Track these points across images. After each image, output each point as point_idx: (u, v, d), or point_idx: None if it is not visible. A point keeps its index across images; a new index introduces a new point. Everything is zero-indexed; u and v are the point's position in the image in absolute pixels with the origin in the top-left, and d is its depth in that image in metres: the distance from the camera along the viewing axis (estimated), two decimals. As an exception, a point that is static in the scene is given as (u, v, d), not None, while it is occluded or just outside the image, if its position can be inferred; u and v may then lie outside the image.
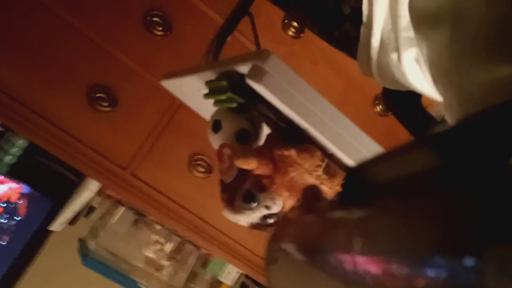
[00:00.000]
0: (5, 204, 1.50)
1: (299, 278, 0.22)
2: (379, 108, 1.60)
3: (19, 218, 1.51)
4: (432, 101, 0.63)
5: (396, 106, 0.78)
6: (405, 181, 0.17)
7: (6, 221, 1.51)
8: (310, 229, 0.22)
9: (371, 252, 0.17)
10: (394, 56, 0.59)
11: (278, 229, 0.25)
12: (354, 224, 0.19)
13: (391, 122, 1.54)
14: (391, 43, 0.59)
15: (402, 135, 1.61)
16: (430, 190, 0.16)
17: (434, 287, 0.14)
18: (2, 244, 1.50)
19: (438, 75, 0.43)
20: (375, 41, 0.61)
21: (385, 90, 0.75)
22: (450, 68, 0.38)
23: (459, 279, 0.12)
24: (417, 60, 0.56)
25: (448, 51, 0.38)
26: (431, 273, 0.13)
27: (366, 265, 0.16)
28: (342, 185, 0.22)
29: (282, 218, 0.26)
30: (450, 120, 0.42)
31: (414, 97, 0.73)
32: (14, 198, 1.51)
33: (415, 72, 0.58)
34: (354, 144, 0.63)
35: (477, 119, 0.15)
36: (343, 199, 0.22)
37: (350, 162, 0.64)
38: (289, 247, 0.23)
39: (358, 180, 0.21)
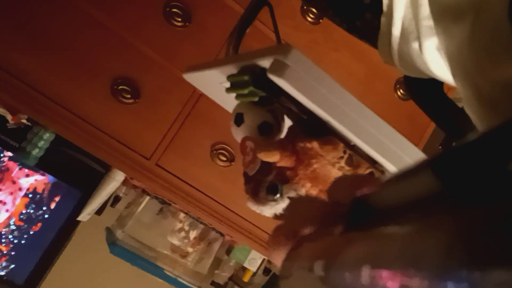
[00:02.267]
0: (32, 195, 1.55)
1: None
2: (400, 92, 1.58)
3: (47, 208, 1.56)
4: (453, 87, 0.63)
5: (418, 94, 0.78)
6: (409, 205, 0.18)
7: (33, 211, 1.56)
8: (323, 248, 0.23)
9: (381, 273, 0.17)
10: (415, 45, 0.59)
11: (293, 247, 0.26)
12: (363, 247, 0.19)
13: (413, 107, 1.52)
14: (412, 32, 0.59)
15: (425, 119, 1.59)
16: (435, 212, 0.16)
17: None
18: (32, 234, 1.55)
19: (456, 69, 0.43)
20: (396, 30, 0.60)
21: (407, 78, 0.75)
22: (468, 63, 0.38)
23: None
24: (438, 49, 0.56)
25: (467, 46, 0.38)
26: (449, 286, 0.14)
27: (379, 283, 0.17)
28: (349, 210, 0.23)
29: (299, 239, 0.26)
30: (470, 114, 0.42)
31: (435, 84, 0.72)
32: (40, 189, 1.56)
33: (437, 61, 0.58)
34: (376, 135, 0.63)
35: (475, 143, 0.15)
36: (350, 224, 0.22)
37: (372, 152, 0.64)
38: (302, 265, 0.24)
39: (365, 205, 0.22)
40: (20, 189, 1.54)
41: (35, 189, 1.56)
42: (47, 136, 1.39)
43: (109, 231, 1.67)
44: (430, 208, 0.16)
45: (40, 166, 1.49)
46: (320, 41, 1.48)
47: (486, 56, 0.34)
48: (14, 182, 1.53)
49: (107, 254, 1.58)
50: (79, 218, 1.54)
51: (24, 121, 1.43)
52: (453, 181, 0.16)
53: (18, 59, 1.22)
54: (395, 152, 0.62)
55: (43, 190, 1.56)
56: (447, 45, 0.45)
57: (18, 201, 1.54)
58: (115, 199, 1.69)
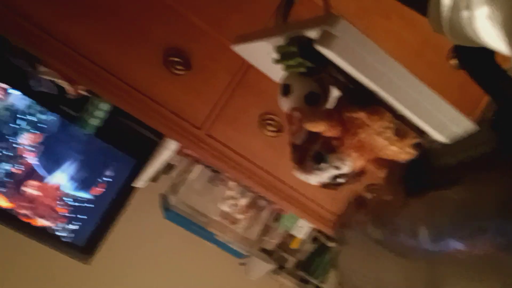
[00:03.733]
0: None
1: (367, 259, 0.24)
2: (453, 61, 1.53)
3: (102, 172, 1.65)
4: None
5: (469, 64, 0.76)
6: (470, 163, 0.19)
7: (88, 174, 1.66)
8: (380, 213, 0.24)
9: (439, 228, 0.18)
10: (465, 13, 0.57)
11: (349, 214, 0.28)
12: (422, 205, 0.20)
13: (467, 77, 1.47)
14: (463, 1, 0.57)
15: (479, 90, 1.54)
16: (492, 169, 0.17)
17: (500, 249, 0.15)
18: (89, 198, 1.65)
19: (509, 38, 0.42)
20: None
21: (457, 47, 0.73)
22: None
23: None
24: (489, 18, 0.55)
25: None
26: (497, 237, 0.15)
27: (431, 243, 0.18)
28: (407, 171, 0.24)
29: (352, 205, 0.28)
30: None
31: (487, 53, 0.70)
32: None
33: (488, 30, 0.56)
34: (424, 104, 0.62)
35: None
36: (409, 184, 0.23)
37: (420, 122, 0.64)
38: (359, 230, 0.25)
39: (423, 165, 0.23)
40: None
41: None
42: (104, 106, 1.46)
43: (163, 197, 1.74)
44: (487, 165, 0.17)
45: (98, 135, 1.56)
46: (369, 8, 1.45)
47: None
48: None
49: (161, 219, 1.66)
50: (135, 184, 1.62)
51: (82, 92, 1.50)
52: (510, 137, 0.16)
53: (71, 30, 1.27)
54: (443, 121, 0.62)
55: (97, 154, 1.66)
56: (499, 13, 0.44)
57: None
58: (168, 167, 1.76)
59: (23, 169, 1.60)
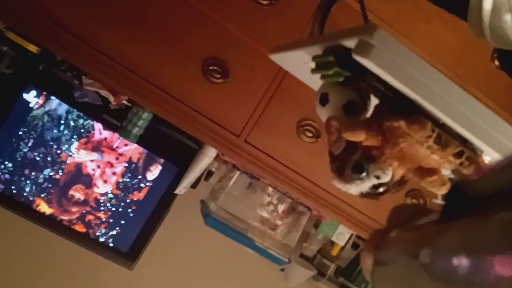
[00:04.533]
0: (127, 164, 1.69)
1: (402, 282, 0.24)
2: (497, 61, 1.48)
3: (142, 177, 1.69)
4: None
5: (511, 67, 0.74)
6: (503, 194, 0.18)
7: (129, 179, 1.70)
8: (420, 238, 0.24)
9: (477, 257, 0.18)
10: (508, 17, 0.56)
11: (391, 236, 0.27)
12: (460, 233, 0.20)
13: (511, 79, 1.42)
14: (505, 5, 0.56)
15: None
16: None
17: None
18: (128, 202, 1.69)
19: None
20: (487, 4, 0.58)
21: (500, 51, 0.71)
22: None
23: None
24: None
25: None
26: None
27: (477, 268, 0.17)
28: (446, 197, 0.23)
29: (395, 230, 0.27)
30: None
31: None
32: (135, 158, 1.69)
33: None
34: (465, 112, 0.61)
35: None
36: (447, 211, 0.23)
37: (462, 130, 0.62)
38: (399, 253, 0.25)
39: (461, 193, 0.22)
40: (121, 155, 1.68)
41: (130, 158, 1.69)
42: (146, 115, 1.49)
43: (203, 204, 1.77)
44: None
45: (140, 144, 1.61)
46: (409, 12, 1.43)
47: None
48: (113, 149, 1.68)
49: (202, 225, 1.68)
50: (176, 192, 1.65)
51: (124, 101, 1.55)
52: None
53: (115, 43, 1.32)
54: (485, 129, 0.60)
55: (138, 160, 1.69)
56: None
57: (120, 168, 1.68)
58: (208, 173, 1.78)
59: (69, 173, 1.66)
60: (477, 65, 1.46)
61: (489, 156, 0.65)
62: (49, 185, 1.64)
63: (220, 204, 1.67)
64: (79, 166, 1.66)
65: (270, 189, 1.73)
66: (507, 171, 0.19)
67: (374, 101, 0.74)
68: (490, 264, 0.17)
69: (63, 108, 1.59)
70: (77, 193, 1.67)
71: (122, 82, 1.34)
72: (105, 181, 1.68)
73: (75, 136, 1.62)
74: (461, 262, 0.18)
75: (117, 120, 1.58)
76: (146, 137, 1.56)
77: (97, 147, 1.65)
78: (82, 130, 1.62)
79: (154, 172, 1.68)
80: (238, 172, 1.69)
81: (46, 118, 1.58)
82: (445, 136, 0.64)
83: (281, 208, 1.76)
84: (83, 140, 1.63)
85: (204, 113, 1.38)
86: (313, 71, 0.73)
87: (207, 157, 1.59)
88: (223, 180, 1.76)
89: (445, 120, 0.62)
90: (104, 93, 1.50)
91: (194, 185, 1.70)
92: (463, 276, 0.18)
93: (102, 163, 1.66)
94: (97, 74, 1.38)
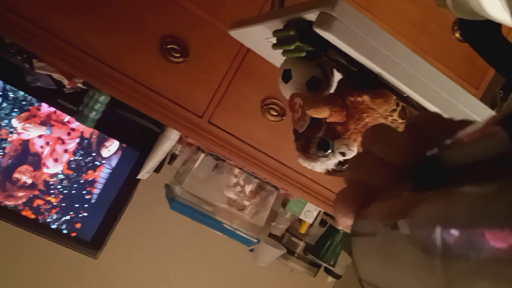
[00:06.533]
0: (79, 140, 1.58)
1: (382, 253, 0.23)
2: (458, 34, 1.49)
3: (97, 154, 1.60)
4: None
5: (474, 37, 0.73)
6: (483, 165, 0.17)
7: (82, 158, 1.59)
8: (396, 208, 0.23)
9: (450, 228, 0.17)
10: None
11: (366, 205, 0.26)
12: (436, 202, 0.19)
13: (471, 49, 1.43)
14: None
15: (483, 62, 1.50)
16: (508, 173, 0.15)
17: None
18: (82, 182, 1.61)
19: None
20: None
21: (462, 21, 0.70)
22: None
23: None
24: None
25: None
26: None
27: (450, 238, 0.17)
28: (417, 170, 0.22)
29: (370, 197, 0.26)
30: None
31: (493, 27, 0.67)
32: (87, 133, 1.59)
33: (493, 2, 0.54)
34: (429, 84, 0.60)
35: None
36: (420, 183, 0.22)
37: (426, 103, 0.61)
38: (374, 223, 0.24)
39: (434, 165, 0.21)
40: (73, 130, 1.56)
41: (82, 133, 1.58)
42: (103, 98, 1.43)
43: (168, 188, 1.73)
44: (506, 168, 0.16)
45: (98, 128, 1.54)
46: (369, -16, 1.41)
47: None
48: (64, 124, 1.55)
49: (167, 210, 1.65)
50: (138, 177, 1.61)
51: (79, 85, 1.48)
52: None
53: (67, 24, 1.25)
54: (449, 101, 0.59)
55: (91, 135, 1.59)
56: None
57: (73, 145, 1.56)
58: (171, 157, 1.74)
59: (14, 152, 1.52)
60: (438, 36, 1.47)
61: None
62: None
63: (186, 188, 1.64)
64: (26, 144, 1.53)
65: (236, 170, 1.70)
66: (482, 141, 0.17)
67: (337, 76, 0.72)
68: (467, 237, 0.16)
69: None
70: (23, 176, 1.55)
71: (75, 65, 1.27)
72: (56, 160, 1.57)
73: (16, 110, 1.49)
74: (437, 234, 0.17)
75: (72, 105, 1.51)
76: (104, 122, 1.50)
77: (46, 121, 1.53)
78: (23, 103, 1.50)
79: (110, 148, 1.60)
80: (202, 154, 1.66)
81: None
82: (410, 109, 0.63)
83: (249, 188, 1.74)
84: (24, 114, 1.50)
85: (164, 94, 1.33)
86: (274, 46, 0.70)
87: (170, 140, 1.55)
88: (187, 163, 1.72)
89: (408, 92, 0.60)
90: (57, 76, 1.43)
91: (157, 170, 1.66)
92: (439, 249, 0.17)
93: (52, 139, 1.55)
94: (48, 57, 1.31)
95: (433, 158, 0.22)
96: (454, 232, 0.16)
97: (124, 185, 1.62)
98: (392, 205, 0.23)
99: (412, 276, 0.20)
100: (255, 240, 1.71)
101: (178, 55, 1.32)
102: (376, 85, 0.63)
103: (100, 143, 1.61)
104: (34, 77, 1.45)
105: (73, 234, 1.64)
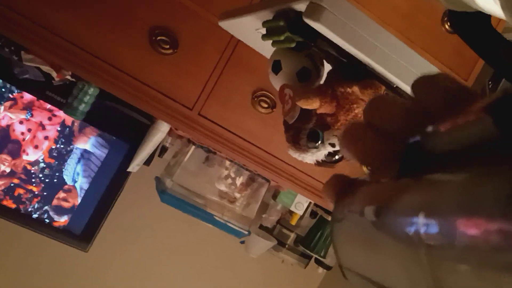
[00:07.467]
0: (61, 128, 1.56)
1: (363, 239, 0.23)
2: (447, 25, 1.50)
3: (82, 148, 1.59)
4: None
5: (463, 28, 0.73)
6: (467, 151, 0.17)
7: (63, 146, 1.57)
8: (376, 193, 0.23)
9: (433, 217, 0.17)
10: None
11: (347, 191, 0.26)
12: (418, 194, 0.19)
13: (460, 41, 1.44)
14: None
15: (474, 53, 1.51)
16: (495, 160, 0.15)
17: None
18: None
19: (507, 1, 0.39)
20: None
21: (451, 12, 0.70)
22: None
23: None
24: None
25: None
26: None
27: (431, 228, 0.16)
28: (403, 155, 0.22)
29: (352, 183, 0.26)
30: None
31: (482, 18, 0.67)
32: (69, 121, 1.57)
33: None
34: (419, 75, 0.60)
35: None
36: (404, 168, 0.22)
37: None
38: (354, 209, 0.24)
39: (419, 150, 0.21)
40: (55, 115, 1.53)
41: (64, 121, 1.56)
42: (92, 91, 1.42)
43: (158, 180, 1.72)
44: (489, 155, 0.16)
45: (88, 121, 1.53)
46: (359, -25, 1.41)
47: None
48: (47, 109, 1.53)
49: (158, 202, 1.64)
50: (129, 169, 1.60)
51: (68, 77, 1.46)
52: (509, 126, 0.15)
53: (58, 18, 1.23)
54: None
55: (73, 123, 1.57)
56: None
57: (53, 132, 1.54)
58: (162, 149, 1.73)
59: None
60: (428, 27, 1.47)
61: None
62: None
63: (176, 180, 1.63)
64: (6, 131, 1.51)
65: (227, 162, 1.70)
66: (466, 128, 0.17)
67: (327, 67, 0.72)
68: (447, 225, 0.16)
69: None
70: (1, 165, 1.53)
71: (64, 57, 1.26)
72: (36, 147, 1.54)
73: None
74: (420, 223, 0.17)
75: (61, 97, 1.49)
76: (93, 114, 1.48)
77: (28, 107, 1.51)
78: (3, 90, 1.48)
79: (105, 150, 1.61)
80: (193, 147, 1.66)
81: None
82: (399, 100, 0.63)
83: (239, 180, 1.74)
84: (8, 103, 1.49)
85: (154, 86, 1.32)
86: (264, 37, 0.70)
87: (160, 132, 1.54)
88: (178, 156, 1.72)
89: (398, 83, 0.61)
90: (45, 68, 1.41)
91: (147, 162, 1.65)
92: (423, 237, 0.17)
93: (33, 124, 1.52)
94: (36, 49, 1.29)
95: (416, 144, 0.22)
96: (438, 220, 0.16)
97: (114, 178, 1.61)
98: (374, 191, 0.23)
99: (396, 264, 0.20)
100: (246, 232, 1.72)
101: (167, 46, 1.31)
102: (365, 76, 0.63)
103: (81, 131, 1.58)
104: (22, 69, 1.43)
105: (56, 224, 1.62)
